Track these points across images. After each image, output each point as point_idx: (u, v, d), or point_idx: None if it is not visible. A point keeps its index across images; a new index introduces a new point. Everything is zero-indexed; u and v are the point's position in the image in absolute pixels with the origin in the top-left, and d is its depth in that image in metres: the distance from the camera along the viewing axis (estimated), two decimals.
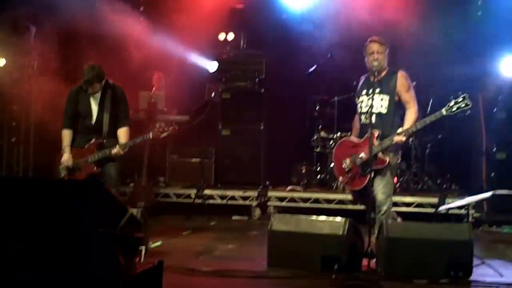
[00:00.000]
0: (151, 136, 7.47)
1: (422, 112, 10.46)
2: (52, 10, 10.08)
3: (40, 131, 10.46)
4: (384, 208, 7.07)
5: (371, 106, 6.91)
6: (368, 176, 6.80)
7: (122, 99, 7.62)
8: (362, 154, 6.96)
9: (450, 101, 6.74)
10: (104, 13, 10.58)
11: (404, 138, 6.95)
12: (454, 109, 6.70)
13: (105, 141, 7.48)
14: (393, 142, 6.93)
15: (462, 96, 6.70)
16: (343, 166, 7.09)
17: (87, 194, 4.23)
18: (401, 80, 7.15)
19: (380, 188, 7.05)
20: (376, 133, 6.94)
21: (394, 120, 7.12)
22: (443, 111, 6.76)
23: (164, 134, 7.53)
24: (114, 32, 10.85)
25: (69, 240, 4.05)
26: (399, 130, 6.96)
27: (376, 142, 6.90)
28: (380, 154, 6.94)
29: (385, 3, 10.91)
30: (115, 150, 7.34)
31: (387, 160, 6.98)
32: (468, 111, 6.78)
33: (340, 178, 7.22)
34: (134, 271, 4.21)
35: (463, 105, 6.67)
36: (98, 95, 7.54)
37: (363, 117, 7.06)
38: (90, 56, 8.98)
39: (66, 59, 10.58)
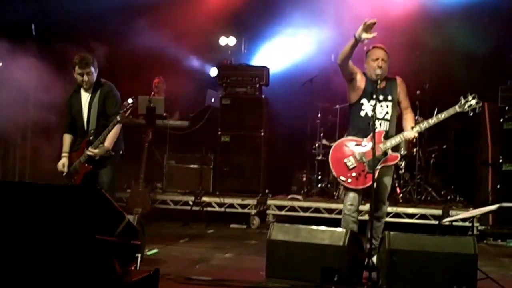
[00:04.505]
0: (119, 119, 7.22)
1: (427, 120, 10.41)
2: (50, 16, 10.03)
3: (38, 134, 10.35)
4: (385, 217, 7.16)
5: (386, 113, 6.99)
6: (376, 172, 6.76)
7: (110, 95, 7.47)
8: (366, 148, 6.82)
9: (460, 100, 6.82)
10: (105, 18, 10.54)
11: (416, 134, 6.99)
12: (466, 106, 6.78)
13: (91, 138, 7.32)
14: (404, 139, 6.96)
15: (472, 95, 6.79)
16: (347, 164, 6.89)
17: (84, 200, 4.16)
18: (402, 86, 7.19)
19: (385, 198, 7.11)
20: (383, 132, 6.91)
21: (395, 126, 7.13)
22: (457, 108, 6.82)
23: (128, 111, 7.27)
24: (115, 37, 10.79)
25: (65, 247, 3.98)
26: (411, 125, 7.00)
27: (382, 141, 6.86)
28: (389, 151, 6.89)
29: (390, 9, 10.85)
30: (87, 153, 7.22)
31: (399, 156, 7.04)
32: (479, 109, 6.82)
33: (341, 177, 6.94)
34: (130, 279, 4.17)
35: (473, 103, 6.77)
36: (89, 93, 7.43)
37: (376, 122, 6.84)
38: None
39: (64, 63, 10.50)
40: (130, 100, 7.21)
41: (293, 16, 12.18)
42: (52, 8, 10.36)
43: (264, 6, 12.14)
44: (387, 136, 6.93)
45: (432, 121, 6.90)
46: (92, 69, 7.35)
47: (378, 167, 6.82)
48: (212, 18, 11.58)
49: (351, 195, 6.99)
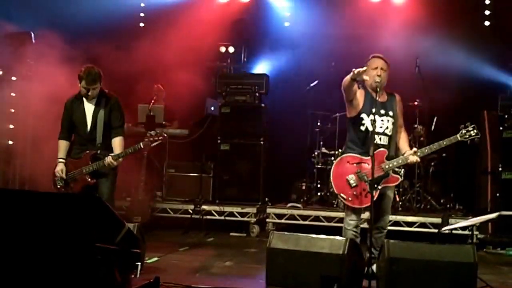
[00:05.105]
0: (142, 146, 7.35)
1: (426, 129, 10.43)
2: (51, 22, 10.03)
3: (38, 142, 10.33)
4: (387, 228, 7.13)
5: (387, 128, 6.99)
6: (377, 193, 6.78)
7: (116, 108, 7.53)
8: (368, 167, 6.79)
9: (461, 129, 6.88)
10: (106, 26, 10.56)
11: (419, 159, 7.04)
12: (466, 136, 6.86)
13: (99, 151, 7.37)
14: (407, 162, 6.94)
15: (472, 126, 6.89)
16: (350, 182, 6.84)
17: (85, 208, 4.13)
18: (400, 104, 7.23)
19: (389, 209, 7.10)
20: (386, 152, 6.89)
21: (395, 142, 7.14)
22: (458, 137, 6.88)
23: (154, 144, 7.42)
24: (115, 44, 10.80)
25: (65, 255, 3.99)
26: (414, 149, 7.02)
27: (384, 161, 6.87)
28: (391, 172, 6.89)
29: (388, 18, 10.87)
30: (107, 160, 7.23)
31: (400, 179, 7.03)
32: (477, 140, 7.12)
33: (342, 195, 6.90)
34: (130, 287, 4.10)
35: (473, 133, 6.88)
36: (93, 104, 7.44)
37: (376, 136, 6.87)
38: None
39: (64, 71, 10.50)
40: (153, 132, 7.31)
41: (292, 23, 12.21)
42: (53, 15, 10.37)
43: (263, 14, 12.16)
44: (389, 156, 6.94)
45: (434, 147, 6.95)
46: (99, 85, 7.39)
47: (379, 187, 6.83)
48: (211, 26, 11.59)
49: (352, 212, 6.97)
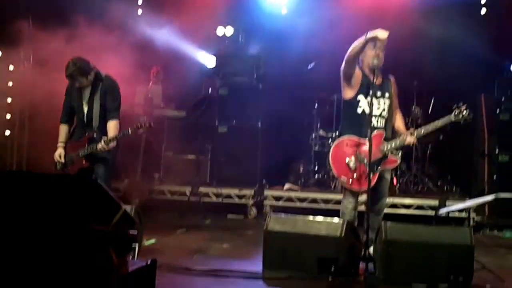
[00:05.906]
0: (130, 132, 7.30)
1: (424, 111, 10.44)
2: (48, 4, 10.00)
3: (35, 124, 10.33)
4: (384, 210, 7.15)
5: (383, 110, 6.98)
6: (376, 175, 6.80)
7: (111, 90, 7.45)
8: (367, 149, 6.78)
9: (454, 109, 6.86)
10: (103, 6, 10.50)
11: (415, 140, 7.00)
12: (460, 117, 6.84)
13: (95, 135, 7.34)
14: (405, 143, 6.94)
15: (464, 105, 6.86)
16: (350, 165, 6.84)
17: (80, 189, 4.11)
18: (394, 86, 7.19)
19: (387, 192, 7.10)
20: (383, 133, 6.89)
21: (391, 124, 7.12)
22: (452, 117, 6.86)
23: (141, 131, 7.39)
24: (112, 25, 10.75)
25: (60, 237, 3.97)
26: (410, 130, 7.03)
27: (382, 142, 6.88)
28: (390, 154, 6.89)
29: (387, 2, 10.83)
30: (99, 146, 7.21)
31: (398, 161, 7.02)
32: (469, 119, 6.94)
33: (343, 178, 6.89)
34: (126, 270, 4.12)
35: (465, 113, 6.85)
36: (89, 88, 7.40)
37: (373, 118, 6.84)
38: (88, 48, 8.81)
39: (62, 51, 10.46)
40: (142, 119, 7.28)
41: (290, 5, 12.17)
42: None
43: None
44: (386, 138, 6.95)
45: (430, 127, 6.96)
46: (80, 79, 7.30)
47: (378, 169, 6.86)
48: (209, 8, 11.53)
49: (351, 194, 6.98)
